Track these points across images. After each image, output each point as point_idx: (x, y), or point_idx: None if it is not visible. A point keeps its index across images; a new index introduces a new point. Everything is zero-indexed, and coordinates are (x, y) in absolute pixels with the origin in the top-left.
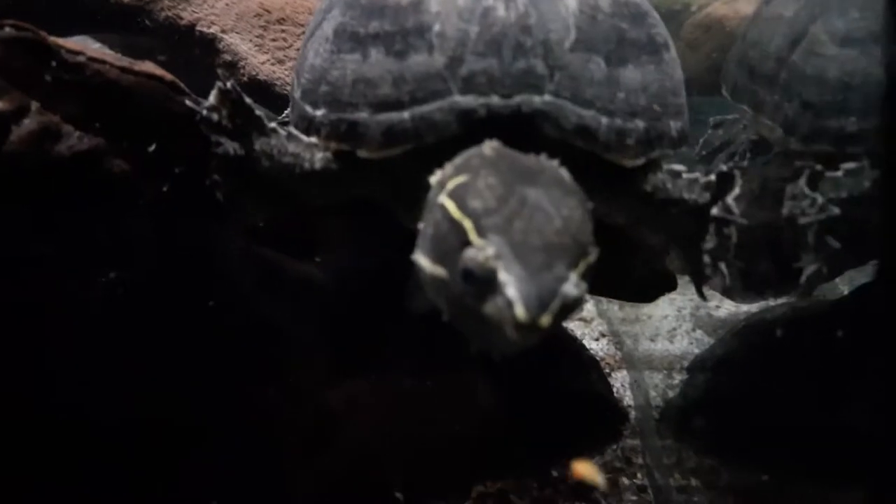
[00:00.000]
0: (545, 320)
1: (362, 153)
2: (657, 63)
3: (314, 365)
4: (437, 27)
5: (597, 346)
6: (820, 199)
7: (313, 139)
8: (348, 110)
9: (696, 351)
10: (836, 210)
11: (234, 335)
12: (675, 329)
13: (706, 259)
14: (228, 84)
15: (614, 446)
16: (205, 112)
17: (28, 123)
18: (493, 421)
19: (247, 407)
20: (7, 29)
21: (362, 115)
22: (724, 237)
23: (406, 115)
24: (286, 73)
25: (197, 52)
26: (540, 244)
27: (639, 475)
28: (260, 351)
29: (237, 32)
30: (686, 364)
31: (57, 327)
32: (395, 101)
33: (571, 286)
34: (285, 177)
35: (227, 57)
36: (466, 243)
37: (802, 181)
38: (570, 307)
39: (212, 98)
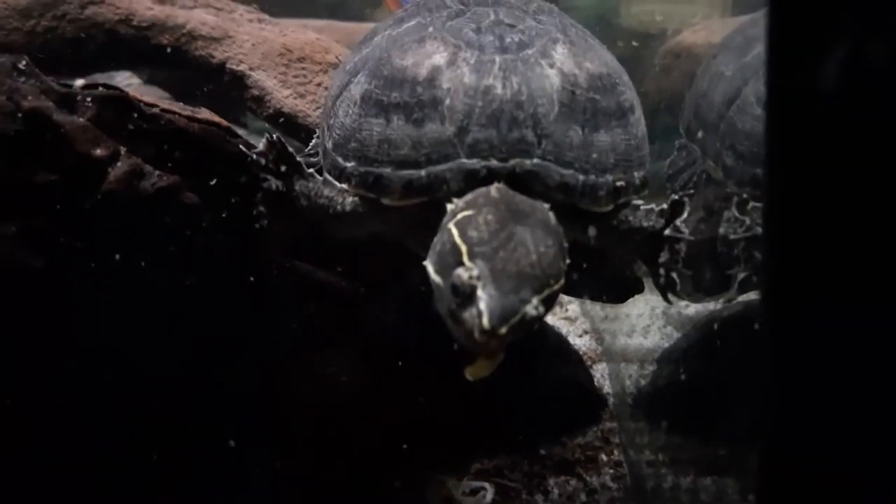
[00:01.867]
0: (503, 331)
1: (385, 201)
2: (624, 126)
3: (337, 353)
4: (447, 101)
5: (580, 342)
6: (747, 221)
7: (344, 186)
8: (374, 165)
9: (667, 344)
10: (759, 230)
11: (272, 331)
12: (649, 326)
13: (661, 270)
14: (275, 136)
15: (594, 428)
16: (254, 156)
17: (120, 166)
18: (488, 406)
19: (276, 397)
20: (100, 89)
21: (386, 170)
22: (675, 251)
23: (423, 172)
24: (307, 105)
25: (227, 87)
26: (514, 272)
27: (615, 452)
28: (293, 343)
29: (263, 69)
30: (657, 356)
31: (136, 326)
32: (414, 160)
33: (531, 308)
34: (319, 214)
35: (255, 91)
36: (460, 263)
37: (733, 208)
38: (530, 323)
39: (261, 146)
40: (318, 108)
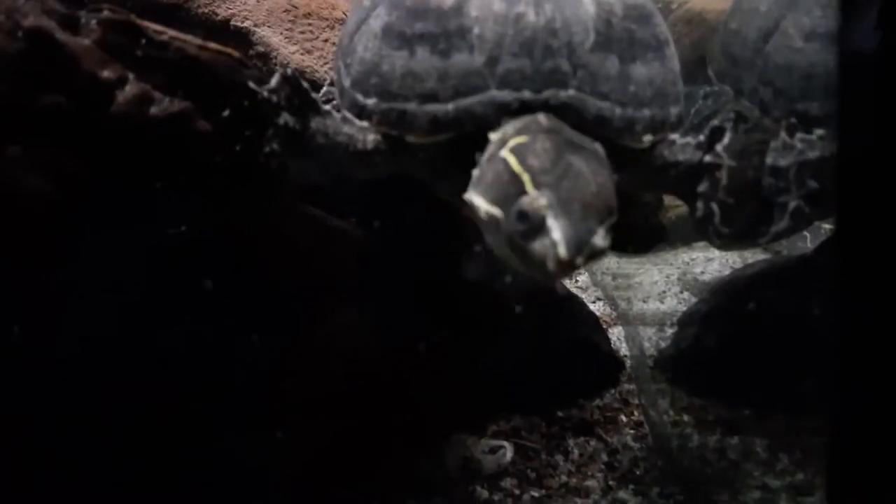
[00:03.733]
0: (579, 261)
1: (410, 138)
2: (661, 59)
3: (351, 305)
4: (476, 30)
5: (594, 308)
6: (799, 145)
7: (365, 123)
8: (398, 100)
9: (684, 308)
10: (811, 155)
11: (284, 278)
12: (664, 292)
13: (699, 202)
14: (289, 70)
15: (612, 390)
16: (265, 94)
17: (129, 89)
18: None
19: (290, 351)
20: (105, 12)
21: (411, 105)
22: (715, 180)
23: (450, 106)
24: (314, 61)
25: (232, 44)
26: (580, 202)
27: (636, 413)
28: (306, 293)
29: (268, 26)
30: (675, 319)
31: (142, 265)
32: (440, 94)
33: (600, 238)
34: (338, 154)
35: (261, 48)
36: (523, 192)
37: (783, 133)
38: (598, 254)
39: (273, 82)
40: (326, 63)
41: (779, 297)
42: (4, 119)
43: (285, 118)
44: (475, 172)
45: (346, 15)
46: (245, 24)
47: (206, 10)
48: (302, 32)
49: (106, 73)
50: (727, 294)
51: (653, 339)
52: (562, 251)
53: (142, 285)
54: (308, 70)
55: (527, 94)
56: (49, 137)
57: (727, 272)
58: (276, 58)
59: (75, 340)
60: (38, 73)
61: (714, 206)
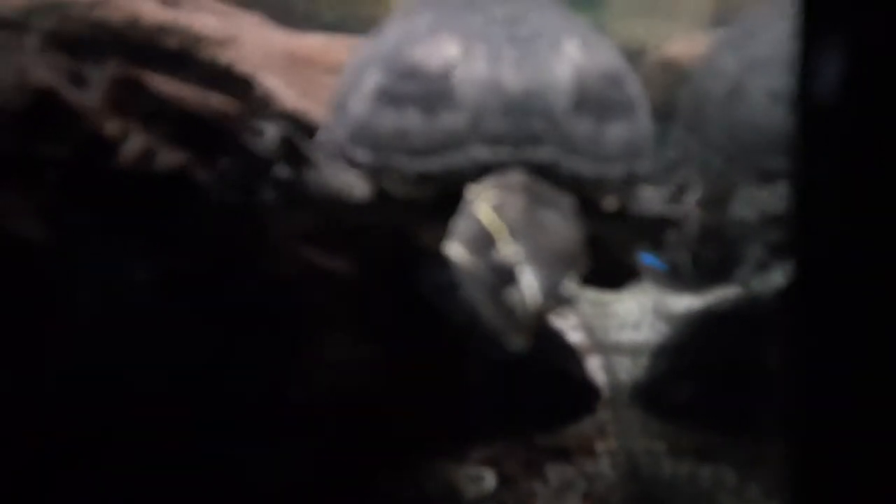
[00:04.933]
0: (545, 306)
1: (398, 191)
2: (632, 119)
3: (341, 341)
4: (460, 93)
5: (572, 336)
6: (762, 197)
7: (356, 175)
8: (387, 153)
9: (659, 339)
10: (773, 207)
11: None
12: (639, 321)
13: (668, 249)
14: (284, 124)
15: (590, 418)
16: (262, 146)
17: (132, 143)
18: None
19: (280, 384)
20: (111, 68)
21: (399, 160)
22: (683, 231)
23: (436, 161)
24: (311, 105)
25: (233, 89)
26: (549, 253)
27: (611, 440)
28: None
29: (268, 71)
30: (650, 349)
31: (140, 308)
32: (427, 150)
33: (567, 287)
34: (330, 203)
35: (261, 92)
36: (496, 243)
37: (746, 186)
38: (563, 302)
39: (269, 134)
40: (322, 107)
41: (750, 330)
42: (7, 170)
43: (279, 171)
44: (454, 224)
45: (341, 63)
46: (246, 70)
47: (210, 56)
48: (300, 78)
49: (109, 129)
50: (700, 326)
51: (628, 368)
52: (531, 299)
53: (136, 331)
54: (305, 113)
55: (505, 153)
56: (51, 188)
57: (699, 304)
58: (275, 101)
59: (69, 385)
60: (43, 128)
61: (683, 255)
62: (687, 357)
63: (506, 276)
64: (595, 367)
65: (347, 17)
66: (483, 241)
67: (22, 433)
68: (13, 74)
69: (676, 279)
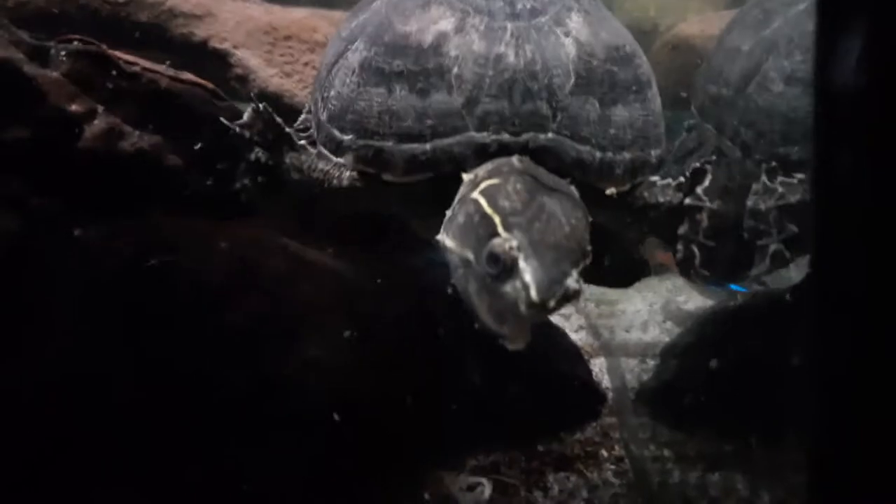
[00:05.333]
0: (551, 304)
1: (387, 177)
2: (641, 101)
3: (327, 337)
4: (455, 70)
5: (576, 337)
6: (780, 189)
7: (341, 160)
8: (375, 138)
9: (667, 339)
10: (792, 199)
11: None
12: (647, 321)
13: (680, 243)
14: (261, 105)
15: (594, 423)
16: (237, 129)
17: (97, 123)
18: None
19: (264, 385)
20: (75, 43)
21: (388, 143)
22: (696, 222)
23: (428, 146)
24: (293, 85)
25: (209, 66)
26: (552, 244)
27: (616, 448)
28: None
29: (247, 48)
30: (658, 351)
31: (111, 300)
32: (418, 133)
33: (573, 281)
34: (313, 189)
35: (239, 70)
36: (494, 234)
37: (763, 177)
38: (570, 297)
39: (245, 116)
40: (306, 87)
41: (761, 331)
42: None
43: (257, 154)
44: (448, 213)
45: (326, 39)
46: (223, 46)
47: (185, 31)
48: (282, 55)
49: (74, 107)
50: (709, 326)
51: (635, 371)
52: (533, 294)
53: (110, 318)
54: (287, 94)
55: (506, 137)
56: (15, 172)
57: (710, 302)
58: (254, 81)
59: (44, 375)
60: (4, 106)
61: (695, 249)
62: (697, 359)
63: (503, 269)
64: (600, 369)
65: None
66: (479, 231)
67: None
68: None
69: (687, 275)
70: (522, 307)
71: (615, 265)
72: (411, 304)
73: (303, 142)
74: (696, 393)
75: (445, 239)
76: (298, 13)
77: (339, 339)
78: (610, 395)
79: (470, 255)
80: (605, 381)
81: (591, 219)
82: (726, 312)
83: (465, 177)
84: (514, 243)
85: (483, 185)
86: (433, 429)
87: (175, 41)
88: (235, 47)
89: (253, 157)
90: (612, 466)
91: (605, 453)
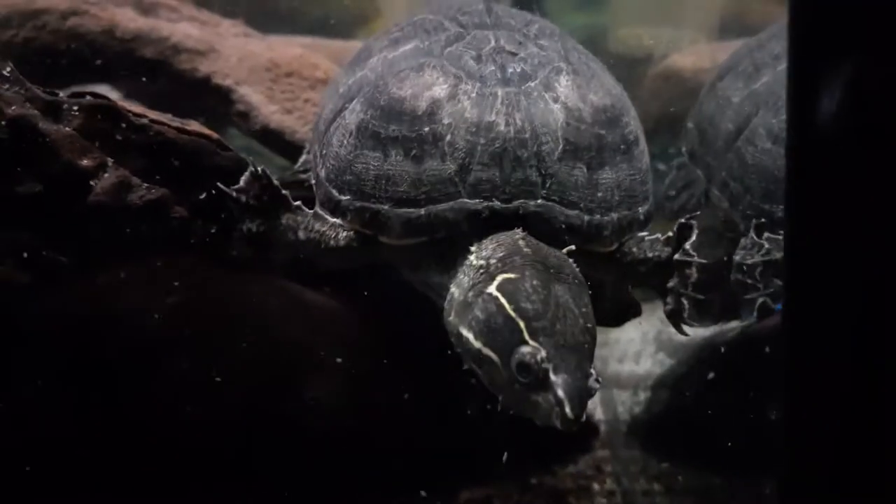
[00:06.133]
0: (582, 416)
1: (384, 239)
2: (629, 160)
3: (326, 375)
4: (448, 137)
5: None
6: (766, 245)
7: (337, 220)
8: (371, 201)
9: (660, 371)
10: (778, 255)
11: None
12: (640, 352)
13: (670, 296)
14: (259, 169)
15: (586, 456)
16: (234, 194)
17: (108, 177)
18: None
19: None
20: (87, 97)
21: (384, 207)
22: (685, 276)
23: (423, 211)
24: (294, 121)
25: (212, 102)
26: (574, 345)
27: (608, 481)
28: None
29: (249, 84)
30: (650, 383)
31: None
32: (413, 198)
33: (594, 381)
34: (310, 248)
35: (241, 107)
36: (522, 341)
37: (751, 233)
38: (593, 395)
39: (242, 181)
40: (307, 124)
41: (751, 363)
42: None
43: (248, 225)
44: (455, 292)
45: (326, 76)
46: (226, 83)
47: (188, 67)
48: (283, 92)
49: (85, 162)
50: (700, 358)
51: (627, 404)
52: (569, 411)
53: (119, 364)
54: (288, 130)
55: (497, 204)
56: (28, 226)
57: (703, 333)
58: (256, 117)
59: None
60: (19, 161)
61: (684, 301)
62: (685, 392)
63: (535, 379)
64: (593, 401)
65: (332, 15)
66: (504, 335)
67: None
68: None
69: (677, 325)
70: (557, 423)
71: (606, 307)
72: (406, 341)
73: (298, 203)
74: (686, 426)
75: (461, 328)
76: (298, 49)
77: (336, 375)
78: (602, 427)
79: (494, 357)
80: (598, 414)
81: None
82: (715, 346)
83: (474, 259)
84: (543, 353)
85: (499, 280)
86: (428, 462)
87: (178, 76)
88: (238, 84)
89: (245, 228)
90: (604, 500)
91: (597, 486)
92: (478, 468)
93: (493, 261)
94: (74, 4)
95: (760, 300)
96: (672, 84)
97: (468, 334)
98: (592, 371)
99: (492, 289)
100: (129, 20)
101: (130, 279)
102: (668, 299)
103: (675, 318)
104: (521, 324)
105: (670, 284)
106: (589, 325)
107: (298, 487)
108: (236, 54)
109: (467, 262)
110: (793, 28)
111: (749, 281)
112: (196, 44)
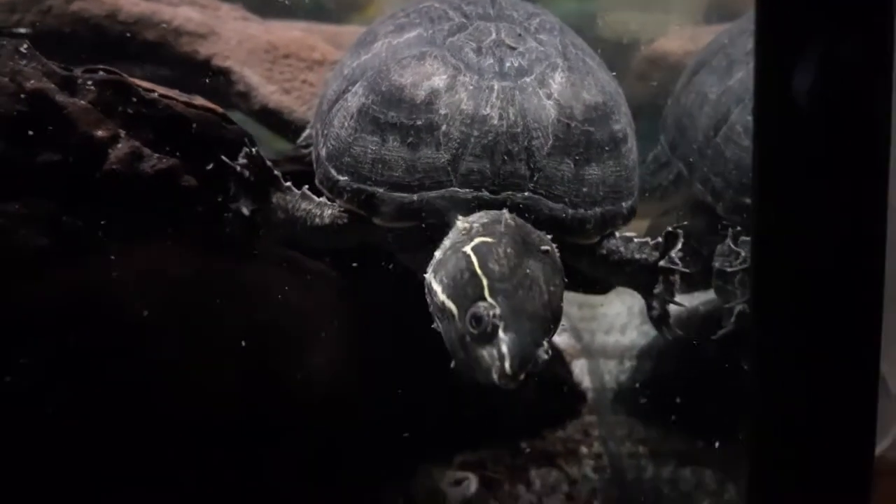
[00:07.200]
0: (521, 375)
1: (377, 220)
2: (615, 157)
3: (325, 342)
4: (444, 128)
5: (558, 339)
6: (743, 253)
7: (330, 200)
8: (368, 183)
9: (644, 342)
10: None
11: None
12: (626, 324)
13: (655, 301)
14: (254, 150)
15: (575, 421)
16: (238, 168)
17: (121, 147)
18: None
19: (263, 386)
20: (100, 72)
21: (379, 189)
22: (669, 283)
23: (415, 197)
24: (293, 101)
25: (212, 83)
26: (531, 313)
27: (595, 445)
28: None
29: (248, 66)
30: (635, 353)
31: (133, 309)
32: (407, 184)
33: (543, 352)
34: (296, 227)
35: (241, 87)
36: (481, 297)
37: (728, 240)
38: (538, 367)
39: (241, 159)
40: (304, 104)
41: (731, 333)
42: (5, 177)
43: (239, 205)
44: (437, 254)
45: (323, 57)
46: (226, 64)
47: (189, 49)
48: (281, 72)
49: (100, 133)
50: (683, 328)
51: (613, 372)
52: (507, 366)
53: (132, 329)
54: (286, 110)
55: (486, 195)
56: (47, 194)
57: (686, 306)
58: (255, 97)
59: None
60: (38, 132)
61: (668, 309)
62: (671, 361)
63: (483, 332)
64: (581, 370)
65: (327, 1)
66: (466, 290)
67: None
68: (9, 80)
69: (660, 330)
70: (495, 376)
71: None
72: (399, 310)
73: (288, 183)
74: (670, 392)
75: (433, 282)
76: (296, 32)
77: (335, 342)
78: (590, 395)
79: (454, 309)
80: (586, 382)
81: (565, 280)
82: (697, 316)
83: (460, 223)
84: (498, 311)
85: (476, 241)
86: (422, 427)
87: (179, 59)
88: (237, 65)
89: (235, 207)
90: (591, 462)
91: (584, 450)
92: (471, 433)
93: (476, 225)
94: None
95: (739, 307)
96: (658, 66)
97: (437, 287)
98: (545, 344)
99: (467, 248)
100: (132, 4)
101: (142, 244)
102: (654, 304)
103: (661, 323)
104: (485, 281)
105: (656, 291)
106: (552, 303)
107: (294, 454)
108: (236, 37)
109: (454, 227)
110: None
111: (729, 287)
112: (196, 27)
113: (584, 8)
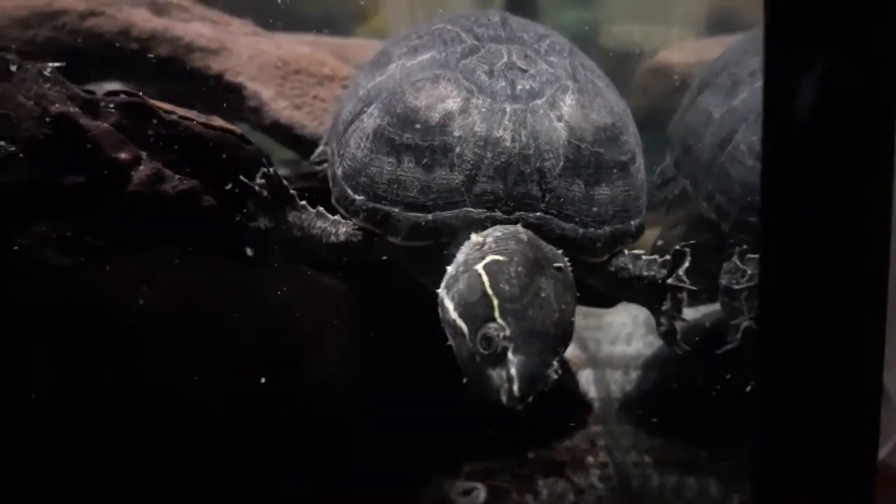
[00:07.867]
0: (531, 398)
1: (392, 239)
2: (624, 177)
3: (336, 354)
4: (458, 149)
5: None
6: (749, 271)
7: (337, 217)
8: (383, 203)
9: (649, 352)
10: None
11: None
12: (631, 334)
13: (663, 318)
14: (271, 170)
15: (581, 431)
16: (256, 188)
17: (143, 169)
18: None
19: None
20: (121, 95)
21: (395, 209)
22: (677, 300)
23: (430, 216)
24: (304, 116)
25: (225, 98)
26: (541, 333)
27: (601, 454)
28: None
29: (260, 81)
30: (640, 363)
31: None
32: (422, 204)
33: (553, 373)
34: (312, 244)
35: (252, 102)
36: (491, 318)
37: (735, 258)
38: (549, 387)
39: (258, 178)
40: (315, 119)
41: (736, 348)
42: (31, 200)
43: (256, 223)
44: (450, 269)
45: (333, 73)
46: (238, 80)
47: (201, 65)
48: (292, 88)
49: (123, 155)
50: (690, 343)
51: (619, 382)
52: (516, 389)
53: (154, 346)
54: (297, 125)
55: (499, 215)
56: (72, 215)
57: (691, 317)
58: (267, 112)
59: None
60: (62, 155)
61: (676, 325)
62: (673, 371)
63: (493, 353)
64: (587, 380)
65: (332, 13)
66: (477, 309)
67: None
68: (34, 104)
69: (668, 345)
70: (504, 397)
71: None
72: (408, 320)
73: (303, 202)
74: (675, 402)
75: (445, 298)
76: (305, 47)
77: (347, 353)
78: (596, 404)
79: (465, 328)
80: (592, 392)
81: (577, 295)
82: (701, 328)
83: (474, 237)
84: (508, 332)
85: (488, 259)
86: (431, 436)
87: (191, 74)
88: (249, 80)
89: (253, 226)
90: (597, 472)
91: (591, 459)
92: (479, 443)
93: (489, 240)
94: (92, 5)
95: (745, 324)
96: (661, 78)
97: (449, 304)
98: (555, 364)
99: (479, 266)
100: (145, 20)
101: (163, 263)
102: (662, 320)
103: (669, 338)
104: (495, 302)
105: (664, 307)
106: (563, 321)
107: (304, 463)
108: (247, 52)
109: (467, 242)
110: (769, 25)
111: (736, 304)
112: (208, 42)
113: (586, 18)
